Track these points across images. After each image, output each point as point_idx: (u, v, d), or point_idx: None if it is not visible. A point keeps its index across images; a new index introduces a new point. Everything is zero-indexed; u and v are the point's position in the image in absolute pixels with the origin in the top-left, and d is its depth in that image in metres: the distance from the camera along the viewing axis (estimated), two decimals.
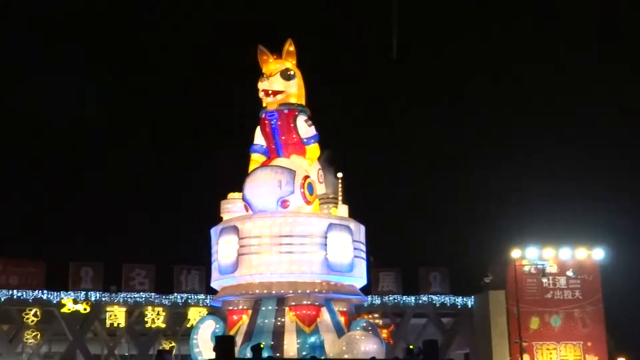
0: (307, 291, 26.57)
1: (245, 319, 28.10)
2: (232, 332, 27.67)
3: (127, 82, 64.06)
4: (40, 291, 47.08)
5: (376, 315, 43.57)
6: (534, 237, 45.38)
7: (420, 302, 51.22)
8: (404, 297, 51.22)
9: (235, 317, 28.40)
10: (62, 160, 62.72)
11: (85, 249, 50.71)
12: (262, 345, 24.79)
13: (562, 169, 56.85)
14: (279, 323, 26.83)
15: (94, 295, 47.78)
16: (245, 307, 28.23)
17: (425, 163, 61.10)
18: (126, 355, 53.30)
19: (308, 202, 27.31)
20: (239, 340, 26.95)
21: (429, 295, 51.25)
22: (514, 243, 44.45)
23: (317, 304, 26.70)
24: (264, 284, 26.96)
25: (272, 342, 26.04)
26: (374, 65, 54.40)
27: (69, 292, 47.48)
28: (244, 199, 27.76)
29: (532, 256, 44.69)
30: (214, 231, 28.81)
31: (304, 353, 25.89)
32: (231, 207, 28.85)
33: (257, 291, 27.07)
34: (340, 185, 29.59)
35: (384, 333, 31.01)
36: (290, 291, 26.65)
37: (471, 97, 63.10)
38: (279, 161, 28.02)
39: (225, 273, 27.73)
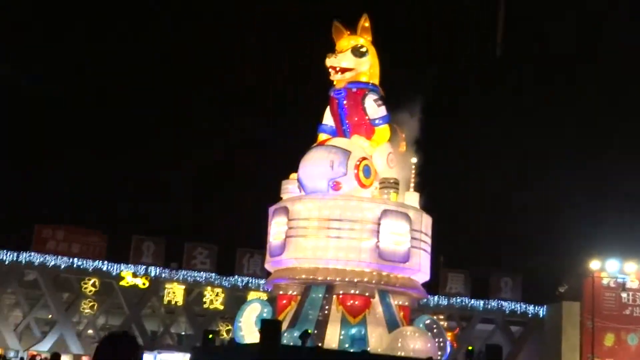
0: (355, 280, 24.76)
1: (294, 304, 26.64)
2: (280, 318, 26.24)
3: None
4: (100, 262, 46.68)
5: (441, 317, 41.76)
6: (615, 249, 42.72)
7: (489, 307, 49.30)
8: (472, 300, 49.27)
9: (284, 302, 27.02)
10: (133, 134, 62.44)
11: (148, 224, 50.11)
12: (309, 332, 23.47)
13: None
14: (324, 312, 25.19)
15: (153, 271, 47.18)
16: (294, 293, 26.77)
17: (509, 165, 58.58)
18: (182, 334, 52.71)
19: (363, 186, 25.45)
20: (284, 326, 25.49)
21: (499, 301, 49.23)
22: (594, 254, 42.02)
23: (366, 294, 24.87)
24: (310, 270, 25.35)
25: (315, 331, 24.37)
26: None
27: (129, 265, 46.99)
28: (298, 179, 26.25)
29: (612, 269, 42.22)
30: (270, 212, 27.45)
31: (346, 345, 24.18)
32: (290, 187, 27.32)
33: (303, 276, 25.52)
34: (413, 172, 27.70)
35: (449, 336, 29.15)
36: (337, 279, 24.93)
37: (558, 99, 60.26)
38: (336, 141, 26.33)
39: (274, 255, 26.38)
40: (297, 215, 25.53)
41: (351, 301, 24.77)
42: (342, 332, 24.53)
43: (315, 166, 25.47)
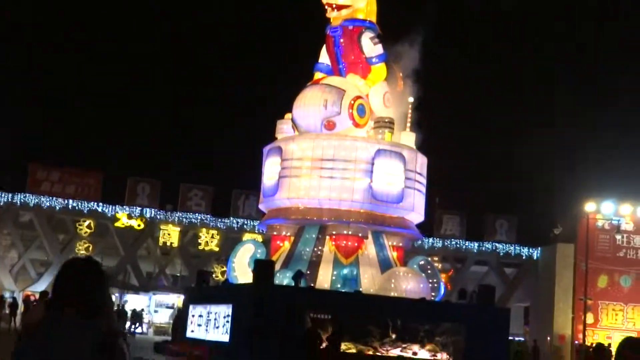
0: (349, 220, 24.59)
1: (288, 245, 26.54)
2: (274, 258, 26.16)
3: None
4: (95, 203, 46.56)
5: (436, 259, 41.82)
6: (611, 191, 42.49)
7: (483, 249, 49.36)
8: (466, 242, 49.32)
9: (278, 243, 26.93)
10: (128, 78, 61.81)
11: (143, 166, 49.88)
12: (302, 272, 23.42)
13: None
14: (317, 252, 25.08)
15: (149, 212, 47.14)
16: (288, 234, 26.66)
17: (507, 106, 58.21)
18: (177, 275, 52.84)
19: (357, 125, 25.13)
20: (278, 266, 25.40)
21: (494, 243, 49.27)
22: (589, 196, 41.76)
23: (360, 235, 24.72)
24: (303, 210, 25.16)
25: (308, 272, 24.29)
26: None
27: (124, 207, 46.92)
28: (292, 118, 25.92)
29: (607, 211, 41.92)
30: (264, 152, 27.16)
31: (338, 285, 24.13)
32: (285, 127, 26.97)
33: (296, 216, 25.32)
34: (409, 112, 27.32)
35: (443, 277, 29.12)
36: (330, 219, 24.75)
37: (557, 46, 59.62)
38: (331, 79, 25.92)
39: (267, 196, 26.17)
40: (290, 155, 25.25)
41: (344, 241, 24.62)
42: (335, 272, 24.45)
43: (308, 105, 25.12)
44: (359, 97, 25.04)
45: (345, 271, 24.30)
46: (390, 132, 25.47)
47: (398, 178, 24.83)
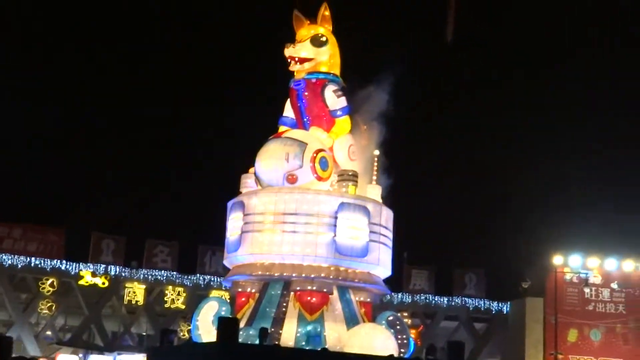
0: (312, 275, 24.19)
1: (252, 302, 26.06)
2: (239, 315, 25.68)
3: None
4: (58, 261, 45.79)
5: (405, 314, 41.28)
6: (578, 244, 42.59)
7: (453, 304, 49.11)
8: (436, 297, 49.02)
9: (243, 300, 26.45)
10: (90, 130, 61.44)
11: (107, 222, 49.15)
12: (266, 329, 22.97)
13: (613, 173, 53.62)
14: (282, 308, 24.61)
15: (113, 270, 46.47)
16: (253, 290, 26.20)
17: (469, 163, 58.37)
18: (143, 334, 51.75)
19: (320, 179, 24.87)
20: (242, 324, 24.91)
21: (463, 298, 49.05)
22: (556, 249, 41.82)
23: (324, 290, 24.29)
24: (267, 266, 24.75)
25: (272, 329, 23.80)
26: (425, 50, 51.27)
27: (88, 264, 46.21)
28: (254, 172, 25.67)
29: (575, 264, 42.13)
30: (228, 207, 26.83)
31: (302, 343, 23.62)
32: (249, 181, 26.70)
33: (259, 272, 24.91)
34: (375, 164, 27.18)
35: (413, 333, 28.73)
36: (294, 275, 24.35)
37: (513, 95, 60.11)
38: (293, 133, 25.79)
39: (230, 252, 25.80)
40: (252, 209, 24.94)
41: (308, 297, 24.19)
42: (299, 330, 23.96)
43: (270, 159, 24.90)
44: (321, 150, 24.85)
45: (309, 328, 23.83)
46: (354, 185, 25.25)
47: (362, 232, 24.52)
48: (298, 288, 24.36)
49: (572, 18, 57.87)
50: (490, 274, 49.42)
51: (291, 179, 24.47)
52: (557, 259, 41.21)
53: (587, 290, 42.80)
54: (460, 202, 57.01)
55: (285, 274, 24.50)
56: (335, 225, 24.13)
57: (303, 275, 24.25)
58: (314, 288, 24.15)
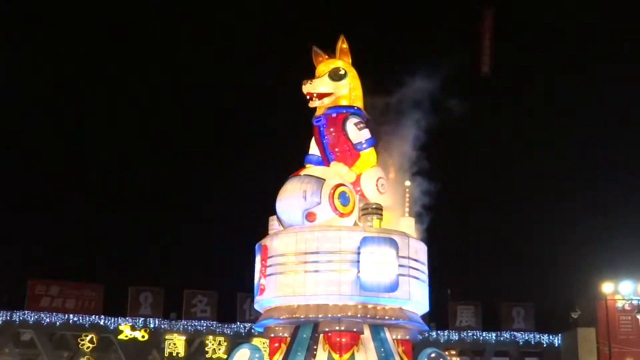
0: (339, 315, 23.14)
1: (284, 347, 25.09)
2: None
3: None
4: (97, 316, 45.51)
5: (453, 352, 39.95)
6: (627, 270, 41.10)
7: (502, 339, 47.64)
8: (484, 333, 47.59)
9: (276, 345, 25.46)
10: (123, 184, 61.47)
11: (144, 274, 48.79)
12: None
13: None
14: (312, 352, 23.58)
15: (153, 322, 46.07)
16: (285, 334, 25.19)
17: (513, 191, 56.95)
18: None
19: (341, 215, 23.86)
20: None
21: (512, 332, 47.58)
22: (605, 276, 40.39)
23: (354, 330, 23.18)
24: (292, 308, 23.79)
25: None
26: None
27: (127, 318, 45.86)
28: (275, 213, 24.88)
29: (626, 291, 40.76)
30: (255, 250, 26.02)
31: None
32: (275, 223, 25.89)
33: (286, 315, 23.97)
34: (407, 196, 26.16)
35: None
36: (320, 315, 23.33)
37: (563, 122, 58.82)
38: (313, 170, 24.93)
39: (257, 295, 24.88)
40: (274, 251, 24.10)
41: (337, 338, 23.11)
42: None
43: (288, 198, 24.07)
44: (340, 185, 23.87)
45: None
46: (379, 218, 24.19)
47: (389, 266, 23.33)
48: (326, 329, 23.32)
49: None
50: (538, 306, 48.02)
51: (310, 216, 23.57)
52: (607, 287, 39.88)
53: None
54: (504, 235, 55.54)
55: (311, 316, 23.51)
56: (358, 262, 23.14)
57: (329, 315, 23.23)
58: (342, 328, 23.05)
